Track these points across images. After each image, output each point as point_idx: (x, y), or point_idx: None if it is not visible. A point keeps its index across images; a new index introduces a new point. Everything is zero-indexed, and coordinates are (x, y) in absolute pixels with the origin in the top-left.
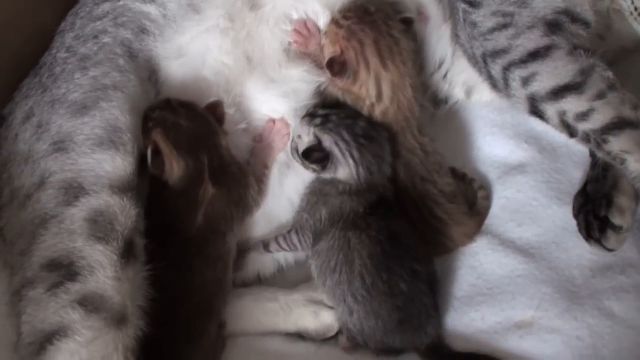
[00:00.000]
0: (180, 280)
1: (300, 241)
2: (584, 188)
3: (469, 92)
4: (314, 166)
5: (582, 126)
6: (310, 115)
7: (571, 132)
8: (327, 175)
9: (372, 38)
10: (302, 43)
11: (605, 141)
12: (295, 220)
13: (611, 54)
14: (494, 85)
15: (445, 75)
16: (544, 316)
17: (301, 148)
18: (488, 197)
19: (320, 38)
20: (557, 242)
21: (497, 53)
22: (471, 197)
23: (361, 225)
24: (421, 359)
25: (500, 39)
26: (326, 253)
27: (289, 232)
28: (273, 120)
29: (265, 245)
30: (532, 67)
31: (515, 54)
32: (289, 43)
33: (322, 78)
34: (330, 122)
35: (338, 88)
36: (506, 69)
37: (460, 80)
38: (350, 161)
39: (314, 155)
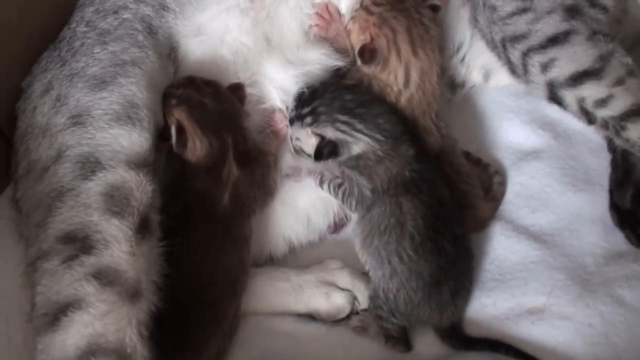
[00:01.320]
0: (208, 261)
1: (343, 200)
2: (612, 198)
3: (486, 76)
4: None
5: (601, 113)
6: (297, 119)
7: (590, 119)
8: (344, 156)
9: (404, 26)
10: (323, 27)
11: (623, 128)
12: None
13: (629, 40)
14: (512, 70)
15: (463, 59)
16: (556, 303)
17: (308, 150)
18: (503, 183)
19: (340, 22)
20: (571, 229)
21: (516, 38)
22: (486, 183)
23: (413, 190)
24: (439, 338)
25: (520, 24)
26: (377, 218)
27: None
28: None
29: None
30: (552, 52)
31: (534, 39)
32: (310, 26)
33: (340, 62)
34: (321, 115)
35: (364, 74)
36: (525, 54)
37: (478, 64)
38: (360, 135)
39: (326, 151)
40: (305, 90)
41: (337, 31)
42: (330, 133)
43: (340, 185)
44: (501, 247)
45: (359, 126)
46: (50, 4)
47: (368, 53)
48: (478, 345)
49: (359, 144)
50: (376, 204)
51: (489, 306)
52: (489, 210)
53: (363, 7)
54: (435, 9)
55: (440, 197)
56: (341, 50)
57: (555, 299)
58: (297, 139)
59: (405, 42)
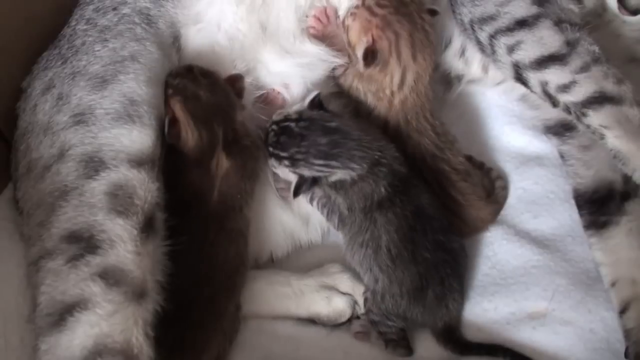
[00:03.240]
0: (204, 258)
1: (327, 217)
2: None
3: (485, 69)
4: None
5: (564, 98)
6: (275, 157)
7: (553, 102)
8: (323, 185)
9: (408, 31)
10: (320, 30)
11: (585, 115)
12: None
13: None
14: (482, 50)
15: (463, 53)
16: (558, 308)
17: (286, 178)
18: (506, 187)
19: (337, 26)
20: (573, 236)
21: (484, 20)
22: (488, 187)
23: (386, 205)
24: (436, 341)
25: (489, 6)
26: (355, 233)
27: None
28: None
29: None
30: (519, 35)
31: (502, 22)
32: (306, 20)
33: (338, 60)
34: (299, 161)
35: (359, 75)
36: (492, 36)
37: (478, 56)
38: (336, 170)
39: (304, 187)
40: (276, 128)
41: (334, 34)
42: (307, 172)
43: (325, 204)
44: (503, 252)
45: (335, 164)
46: (51, 6)
47: (370, 55)
48: (475, 350)
49: (336, 175)
50: (353, 221)
51: (490, 311)
52: (490, 212)
53: (365, 7)
54: (433, 13)
55: (417, 205)
56: (338, 48)
57: (556, 304)
58: (275, 169)
59: (407, 47)
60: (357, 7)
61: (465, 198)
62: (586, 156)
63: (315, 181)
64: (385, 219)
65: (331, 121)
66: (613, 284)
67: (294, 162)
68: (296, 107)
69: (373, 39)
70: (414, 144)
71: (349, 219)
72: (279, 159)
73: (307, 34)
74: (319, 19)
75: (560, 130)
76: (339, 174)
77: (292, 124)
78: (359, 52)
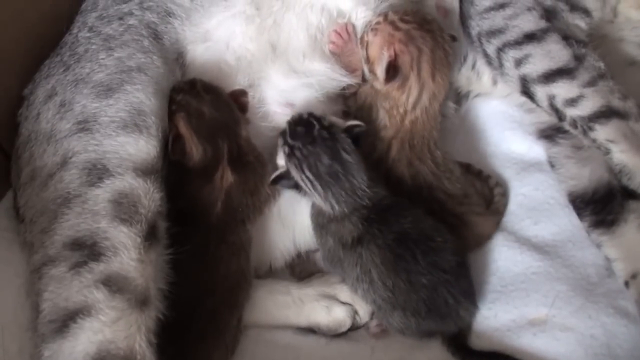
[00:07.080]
0: (205, 269)
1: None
2: None
3: (495, 80)
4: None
5: (570, 112)
6: (283, 136)
7: (559, 116)
8: (302, 195)
9: (430, 47)
10: (339, 46)
11: (591, 129)
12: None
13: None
14: (489, 62)
15: (474, 66)
16: (558, 314)
17: (277, 162)
18: (505, 194)
19: (356, 44)
20: (574, 241)
21: (492, 33)
22: (488, 195)
23: (366, 239)
24: (446, 347)
25: (497, 19)
26: (347, 270)
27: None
28: None
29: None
30: (527, 49)
31: (510, 35)
32: (317, 36)
33: (346, 79)
34: (294, 157)
35: (374, 91)
36: (500, 49)
37: (488, 69)
38: (317, 196)
39: (282, 182)
40: (305, 117)
41: (351, 52)
42: (294, 174)
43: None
44: (503, 259)
45: (320, 190)
46: (47, 13)
47: (392, 69)
48: (476, 357)
49: (316, 199)
50: (343, 260)
51: (490, 318)
52: (491, 225)
53: (388, 22)
54: (453, 39)
55: (398, 231)
56: (348, 69)
57: (557, 310)
58: (278, 146)
59: (427, 63)
60: (378, 22)
61: (463, 220)
62: (580, 155)
63: (296, 186)
64: (368, 252)
65: (347, 152)
66: (634, 276)
67: (290, 156)
68: (335, 119)
69: (395, 53)
70: (412, 173)
71: (340, 260)
72: (284, 142)
73: (318, 52)
74: (339, 35)
75: (553, 132)
76: (317, 201)
77: (317, 126)
78: (380, 67)
